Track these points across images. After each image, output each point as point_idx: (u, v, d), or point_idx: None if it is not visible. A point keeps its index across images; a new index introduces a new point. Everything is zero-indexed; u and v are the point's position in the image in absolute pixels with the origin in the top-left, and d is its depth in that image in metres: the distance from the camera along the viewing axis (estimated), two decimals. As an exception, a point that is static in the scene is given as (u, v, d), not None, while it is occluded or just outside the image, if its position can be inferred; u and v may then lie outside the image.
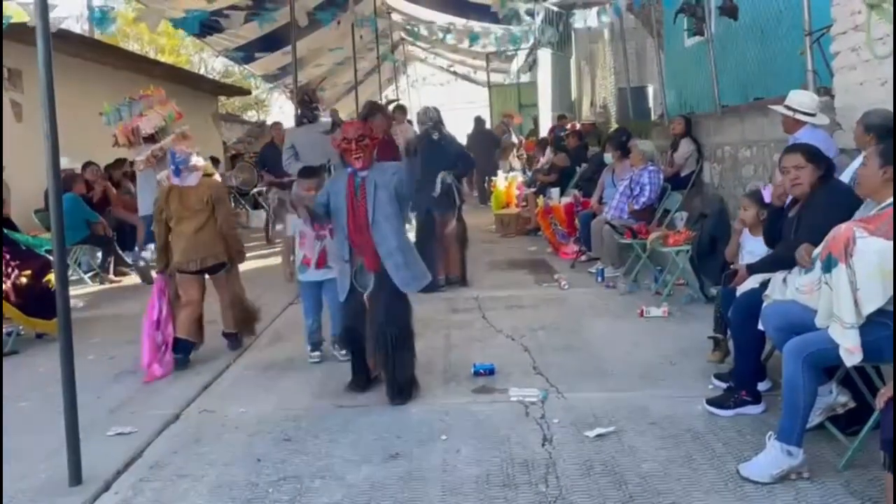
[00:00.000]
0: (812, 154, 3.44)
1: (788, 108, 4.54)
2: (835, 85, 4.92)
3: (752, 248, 4.02)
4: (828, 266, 2.73)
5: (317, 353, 4.67)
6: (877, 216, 2.75)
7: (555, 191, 9.28)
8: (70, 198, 7.53)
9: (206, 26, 10.26)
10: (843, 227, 2.74)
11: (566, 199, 8.63)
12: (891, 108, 3.92)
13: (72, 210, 7.52)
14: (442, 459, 3.20)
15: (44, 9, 3.01)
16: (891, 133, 3.73)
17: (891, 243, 2.63)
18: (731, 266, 3.98)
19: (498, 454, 3.22)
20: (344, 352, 4.40)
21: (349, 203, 3.83)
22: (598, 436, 3.33)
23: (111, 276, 8.02)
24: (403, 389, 3.87)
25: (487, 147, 14.39)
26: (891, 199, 2.78)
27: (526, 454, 3.21)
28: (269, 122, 17.04)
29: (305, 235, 4.52)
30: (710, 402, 3.54)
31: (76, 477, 3.11)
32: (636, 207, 6.72)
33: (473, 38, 13.23)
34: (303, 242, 4.55)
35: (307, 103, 6.71)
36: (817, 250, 2.88)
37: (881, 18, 3.59)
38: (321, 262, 4.50)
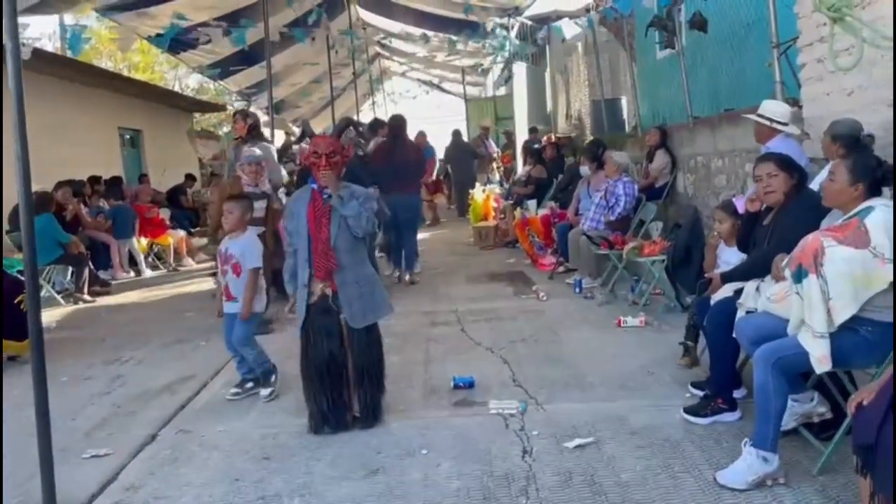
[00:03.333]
0: (784, 162, 3.51)
1: (763, 116, 4.62)
2: (802, 96, 5.01)
3: (728, 258, 4.07)
4: (798, 277, 2.78)
5: (235, 391, 4.32)
6: (844, 225, 2.80)
7: (532, 203, 9.34)
8: (42, 218, 7.41)
9: (180, 43, 10.24)
10: (810, 237, 2.79)
11: (543, 211, 8.69)
12: (855, 118, 4.01)
13: (44, 230, 7.43)
14: (423, 474, 3.19)
15: (14, 29, 2.99)
16: (857, 142, 3.81)
17: (859, 252, 2.69)
18: (706, 275, 4.03)
19: (478, 467, 3.21)
20: (265, 391, 4.26)
21: (312, 223, 3.62)
22: (578, 447, 3.34)
23: (86, 295, 7.91)
24: (377, 414, 3.79)
25: (465, 160, 14.46)
26: (856, 209, 2.84)
27: (506, 467, 3.21)
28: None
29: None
30: (687, 410, 3.58)
31: (50, 502, 3.05)
32: (612, 218, 6.79)
33: (452, 44, 13.29)
34: (223, 272, 4.32)
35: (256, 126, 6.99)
36: (786, 260, 2.93)
37: (844, 31, 3.68)
38: (229, 297, 4.27)
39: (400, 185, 7.49)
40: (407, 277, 7.73)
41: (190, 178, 13.52)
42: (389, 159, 7.50)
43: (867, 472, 2.23)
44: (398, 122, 7.92)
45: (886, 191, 2.97)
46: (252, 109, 18.90)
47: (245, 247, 4.26)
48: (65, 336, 6.29)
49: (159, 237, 10.30)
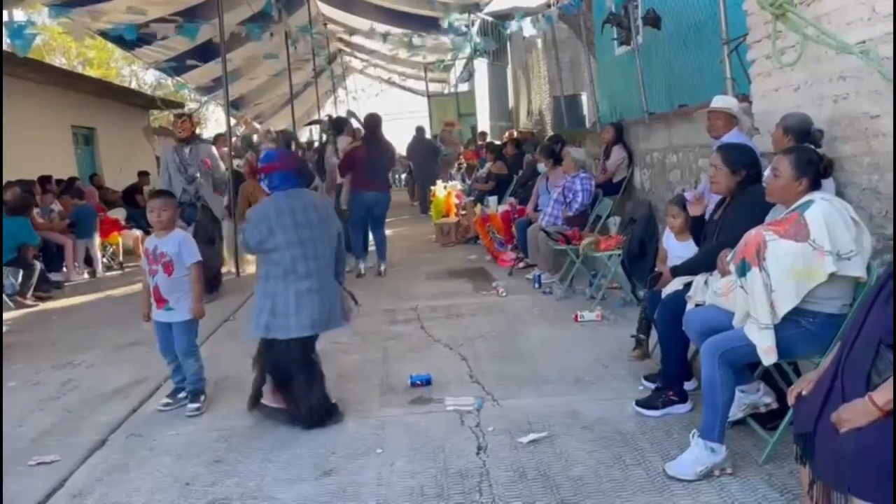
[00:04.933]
0: (729, 159, 3.54)
1: (722, 109, 4.67)
2: (752, 91, 5.10)
3: (681, 252, 4.13)
4: (742, 270, 2.83)
5: (166, 402, 4.16)
6: (785, 219, 2.85)
7: (492, 199, 9.36)
8: (19, 221, 7.59)
9: (135, 38, 10.03)
10: (753, 231, 2.83)
11: (503, 207, 8.72)
12: (806, 112, 4.08)
13: (17, 232, 7.56)
14: (377, 473, 3.18)
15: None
16: (807, 135, 3.88)
17: (799, 245, 2.74)
18: (656, 269, 4.08)
19: (433, 465, 3.21)
20: (193, 406, 4.06)
21: None
22: (532, 442, 3.36)
23: (28, 299, 7.69)
24: (316, 416, 3.72)
25: (427, 156, 14.45)
26: (796, 204, 2.89)
27: (460, 464, 3.21)
28: (206, 134, 16.73)
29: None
30: (639, 403, 3.62)
31: (-8, 511, 2.98)
32: (570, 214, 6.84)
33: (411, 47, 13.33)
34: (152, 272, 4.08)
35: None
36: (730, 255, 2.98)
37: (787, 27, 3.75)
38: (159, 301, 4.04)
39: (376, 182, 7.82)
40: (382, 268, 7.97)
41: (144, 175, 13.22)
42: (368, 157, 7.69)
43: (806, 460, 2.28)
44: (376, 121, 8.08)
45: (826, 184, 3.03)
46: (212, 106, 18.61)
47: (181, 244, 4.07)
48: (14, 340, 6.12)
49: (108, 237, 10.10)
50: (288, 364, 3.70)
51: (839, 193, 3.74)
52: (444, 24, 11.78)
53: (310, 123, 12.51)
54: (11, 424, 4.01)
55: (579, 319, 5.39)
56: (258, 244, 3.66)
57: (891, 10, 3.40)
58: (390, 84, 22.11)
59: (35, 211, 8.79)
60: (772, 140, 4.20)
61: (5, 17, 8.09)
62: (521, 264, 7.55)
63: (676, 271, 3.72)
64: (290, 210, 3.64)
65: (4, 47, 9.46)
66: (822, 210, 2.76)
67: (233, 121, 16.35)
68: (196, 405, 4.08)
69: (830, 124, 4.06)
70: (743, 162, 3.55)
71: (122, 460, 3.50)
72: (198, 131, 7.55)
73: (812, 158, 2.99)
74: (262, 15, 10.52)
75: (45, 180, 10.14)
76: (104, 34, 9.97)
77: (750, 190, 3.53)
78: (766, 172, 4.02)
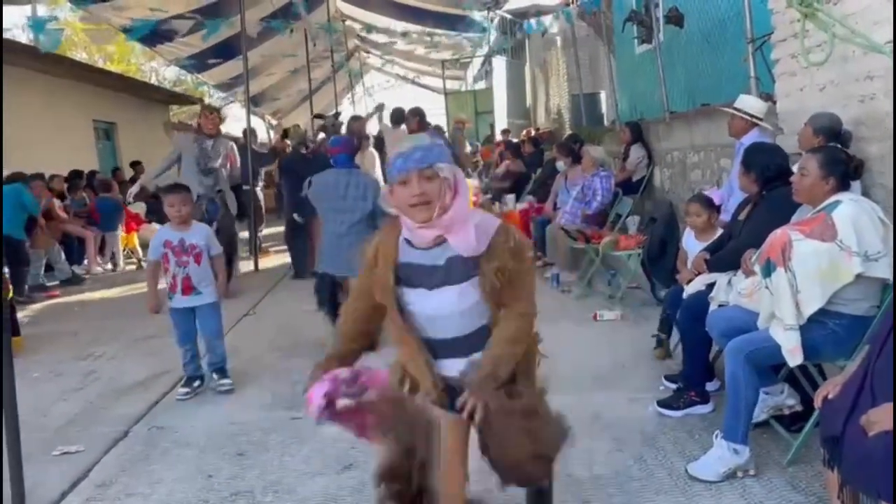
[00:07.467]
0: (747, 165, 3.53)
1: (740, 111, 4.65)
2: (776, 91, 5.06)
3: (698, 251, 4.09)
4: (767, 271, 2.80)
5: (184, 391, 4.25)
6: (811, 219, 2.83)
7: (510, 197, 9.34)
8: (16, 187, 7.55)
9: (156, 35, 10.11)
10: (779, 231, 2.81)
11: (521, 206, 8.70)
12: (835, 112, 4.04)
13: (17, 194, 7.52)
14: (397, 469, 3.18)
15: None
16: (838, 136, 3.84)
17: (825, 245, 2.71)
18: (678, 276, 4.06)
19: (453, 462, 3.21)
20: (227, 381, 4.31)
21: None
22: (552, 440, 3.35)
23: (55, 292, 7.76)
24: None
25: (445, 154, 14.48)
26: (823, 204, 2.87)
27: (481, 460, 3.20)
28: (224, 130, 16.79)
29: (168, 260, 4.19)
30: (661, 403, 3.60)
31: (19, 498, 3.01)
32: (589, 212, 6.81)
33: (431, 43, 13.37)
34: (166, 268, 4.21)
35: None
36: (755, 255, 2.95)
37: (815, 26, 3.71)
38: (187, 289, 4.19)
39: None
40: None
41: (137, 164, 13.03)
42: None
43: (834, 464, 2.26)
44: (424, 112, 8.54)
45: (854, 185, 3.00)
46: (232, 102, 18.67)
47: (208, 236, 4.31)
48: (36, 331, 6.19)
49: (128, 234, 10.18)
50: (322, 291, 4.90)
51: (865, 195, 3.69)
52: (466, 8, 11.69)
53: (316, 117, 12.51)
54: (35, 415, 4.05)
55: (598, 319, 5.37)
56: (315, 202, 4.81)
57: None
58: (407, 81, 22.12)
59: (63, 203, 8.91)
60: (799, 139, 4.15)
61: (29, 13, 8.17)
62: (539, 263, 7.53)
63: (710, 265, 3.68)
64: (336, 184, 4.70)
65: (29, 42, 9.56)
66: (850, 210, 2.74)
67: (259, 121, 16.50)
68: (229, 380, 4.32)
69: (856, 124, 4.01)
70: (758, 163, 3.50)
71: (144, 452, 3.54)
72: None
73: (840, 158, 2.96)
74: (283, 11, 10.57)
75: (76, 174, 10.31)
76: (126, 31, 10.03)
77: (775, 192, 3.51)
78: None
